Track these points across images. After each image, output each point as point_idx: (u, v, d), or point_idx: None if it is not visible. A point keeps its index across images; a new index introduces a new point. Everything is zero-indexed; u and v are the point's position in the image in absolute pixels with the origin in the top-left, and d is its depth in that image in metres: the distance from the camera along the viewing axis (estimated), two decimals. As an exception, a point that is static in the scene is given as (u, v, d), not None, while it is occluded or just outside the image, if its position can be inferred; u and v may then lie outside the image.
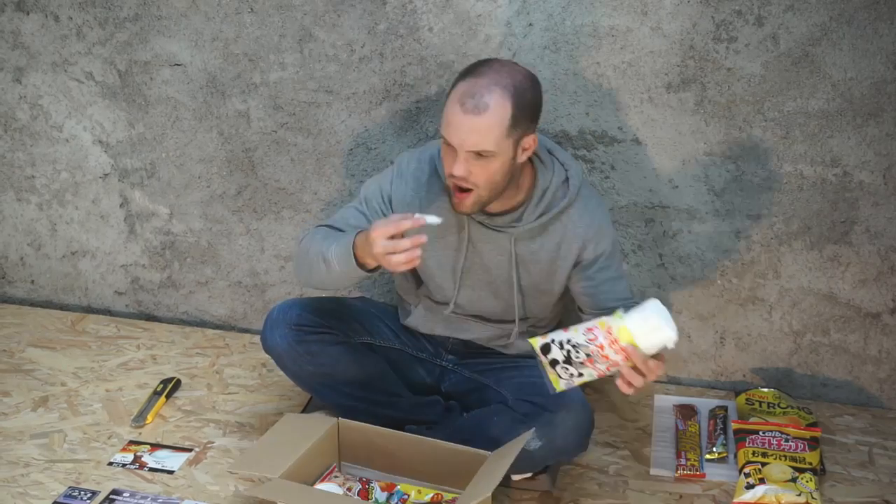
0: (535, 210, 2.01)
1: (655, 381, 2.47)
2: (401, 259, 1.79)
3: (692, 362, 2.48)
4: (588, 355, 1.78)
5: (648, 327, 1.75)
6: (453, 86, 1.88)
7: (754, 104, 2.22)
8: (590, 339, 1.78)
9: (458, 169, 1.86)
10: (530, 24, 2.27)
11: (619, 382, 1.81)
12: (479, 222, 2.02)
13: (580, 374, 1.82)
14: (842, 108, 2.18)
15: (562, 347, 1.80)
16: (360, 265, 1.90)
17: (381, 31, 2.37)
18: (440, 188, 2.03)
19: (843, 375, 2.40)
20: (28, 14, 2.60)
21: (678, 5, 2.18)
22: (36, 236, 2.86)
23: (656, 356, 1.79)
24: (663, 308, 1.77)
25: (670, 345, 1.76)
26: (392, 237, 1.79)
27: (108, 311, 2.88)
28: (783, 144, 2.24)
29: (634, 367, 1.78)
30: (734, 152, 2.27)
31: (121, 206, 2.75)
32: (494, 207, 2.00)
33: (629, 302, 1.97)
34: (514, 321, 2.13)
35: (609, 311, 1.84)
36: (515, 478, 2.05)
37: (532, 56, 2.29)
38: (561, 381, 1.83)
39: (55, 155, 2.75)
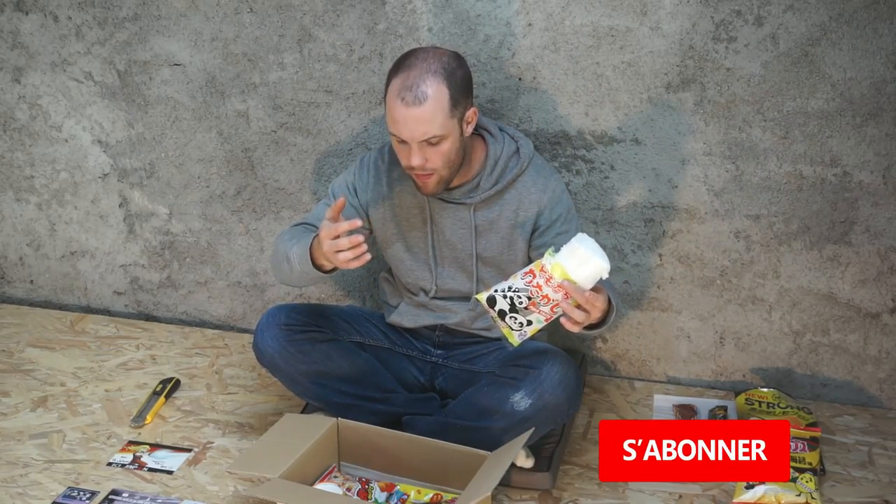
0: (490, 178, 2.09)
1: (657, 382, 2.49)
2: (347, 255, 1.88)
3: (692, 362, 2.48)
4: (529, 298, 1.82)
5: (579, 260, 1.79)
6: (387, 84, 1.97)
7: (754, 104, 2.22)
8: (528, 282, 1.82)
9: (415, 160, 1.96)
10: (530, 24, 2.27)
11: (563, 322, 1.84)
12: (439, 198, 2.11)
13: (528, 322, 1.85)
14: (841, 108, 2.18)
15: (505, 296, 1.84)
16: (316, 266, 1.99)
17: (380, 31, 2.37)
18: (400, 172, 2.12)
19: (842, 375, 2.40)
20: (27, 14, 2.60)
21: (678, 5, 2.18)
22: (35, 236, 2.86)
23: (595, 290, 1.83)
24: (591, 240, 1.81)
25: (604, 275, 1.80)
26: (336, 238, 1.88)
27: (107, 312, 2.88)
28: (783, 144, 2.24)
29: (577, 305, 1.82)
30: (733, 152, 2.27)
31: (120, 206, 2.75)
32: (452, 182, 2.09)
33: None
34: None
35: None
36: (517, 463, 2.06)
37: (531, 56, 2.29)
38: (514, 332, 1.87)
39: (54, 155, 2.75)
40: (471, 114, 2.00)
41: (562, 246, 1.82)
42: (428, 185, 2.01)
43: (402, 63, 1.97)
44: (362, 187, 2.16)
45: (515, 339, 1.88)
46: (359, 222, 1.89)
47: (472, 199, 2.10)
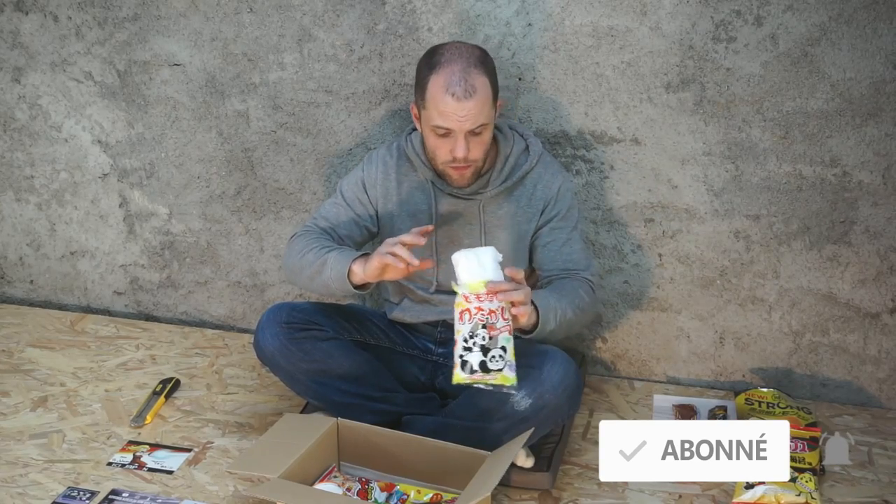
0: (500, 175, 2.14)
1: (657, 382, 2.49)
2: (395, 259, 1.92)
3: (692, 362, 2.48)
4: (485, 326, 1.84)
5: (469, 263, 1.85)
6: (426, 80, 1.99)
7: (753, 104, 2.22)
8: (471, 318, 1.84)
9: (462, 151, 2.01)
10: (529, 24, 2.27)
11: (514, 312, 1.87)
12: (450, 194, 2.14)
13: (503, 348, 1.84)
14: (841, 108, 2.18)
15: (470, 349, 1.84)
16: (350, 278, 2.01)
17: (380, 31, 2.37)
18: (408, 169, 2.17)
19: (842, 375, 2.40)
20: (27, 14, 2.60)
21: (677, 5, 2.18)
22: (35, 236, 2.86)
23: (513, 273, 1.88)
24: (463, 251, 1.88)
25: (498, 256, 1.87)
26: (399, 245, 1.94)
27: (107, 312, 2.88)
28: (782, 144, 2.24)
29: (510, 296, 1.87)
30: (733, 152, 2.27)
31: (120, 206, 2.75)
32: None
33: (582, 272, 2.12)
34: None
35: (559, 270, 2.12)
36: (517, 463, 2.06)
37: (531, 56, 2.29)
38: (505, 370, 1.84)
39: (54, 155, 2.75)
40: (499, 101, 2.06)
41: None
42: (465, 175, 2.07)
43: (436, 60, 2.00)
44: (371, 183, 2.19)
45: (509, 375, 1.85)
46: (429, 229, 2.00)
47: (482, 196, 2.12)
